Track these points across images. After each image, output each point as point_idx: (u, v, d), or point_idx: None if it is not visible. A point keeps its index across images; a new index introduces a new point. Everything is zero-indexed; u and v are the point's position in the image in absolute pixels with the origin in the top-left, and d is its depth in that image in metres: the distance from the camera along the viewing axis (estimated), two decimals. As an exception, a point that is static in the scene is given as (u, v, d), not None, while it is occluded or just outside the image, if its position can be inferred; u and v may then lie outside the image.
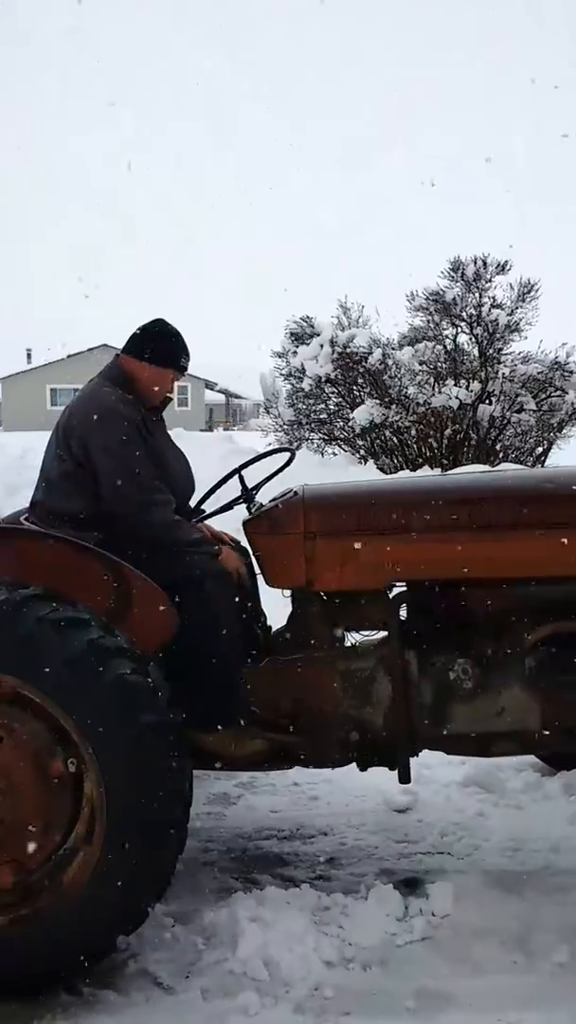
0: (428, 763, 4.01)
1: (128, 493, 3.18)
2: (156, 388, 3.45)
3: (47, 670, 2.64)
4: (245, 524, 3.39)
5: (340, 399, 13.41)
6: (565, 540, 3.05)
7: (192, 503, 3.64)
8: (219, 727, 3.19)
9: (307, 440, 13.84)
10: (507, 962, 2.79)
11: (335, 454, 13.44)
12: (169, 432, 3.64)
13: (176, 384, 3.64)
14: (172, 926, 2.98)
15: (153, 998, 2.68)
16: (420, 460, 12.50)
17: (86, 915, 2.66)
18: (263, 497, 3.58)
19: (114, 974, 2.76)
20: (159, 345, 3.43)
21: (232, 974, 2.74)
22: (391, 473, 11.70)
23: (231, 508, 3.58)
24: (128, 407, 3.30)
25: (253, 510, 3.47)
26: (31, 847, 2.66)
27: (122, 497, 3.18)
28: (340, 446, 13.54)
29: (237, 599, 3.33)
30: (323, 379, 13.07)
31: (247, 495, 3.57)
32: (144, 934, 2.86)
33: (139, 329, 3.48)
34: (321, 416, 13.71)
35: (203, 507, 3.70)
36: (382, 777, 3.40)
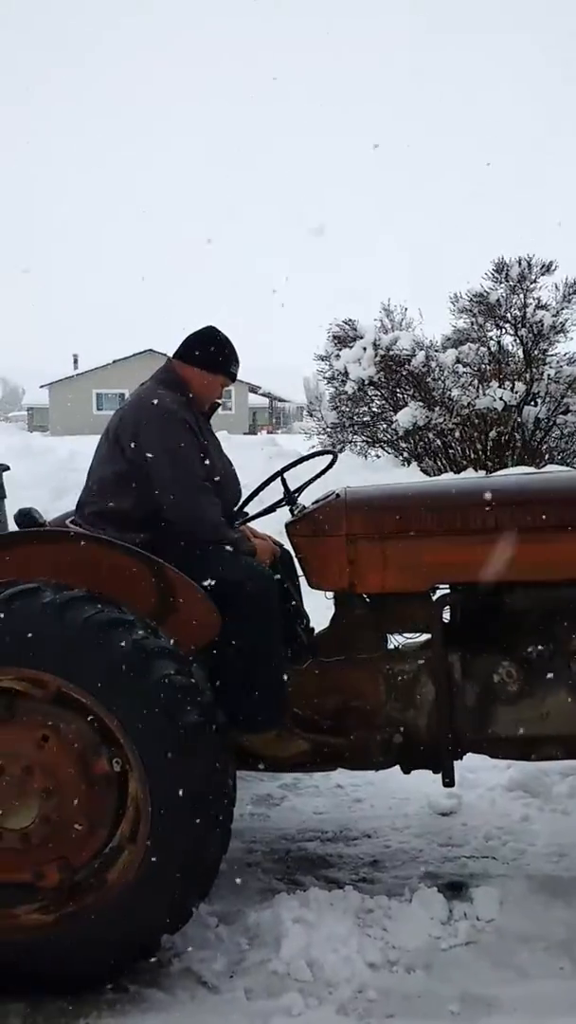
0: (472, 767, 3.98)
1: (181, 492, 3.21)
2: (207, 393, 3.50)
3: (92, 671, 2.68)
4: (288, 526, 3.40)
5: (383, 401, 13.40)
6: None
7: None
8: (263, 728, 3.20)
9: (351, 443, 13.85)
10: (553, 968, 2.77)
11: (378, 456, 13.42)
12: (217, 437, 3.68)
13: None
14: (216, 926, 3.00)
15: (198, 997, 2.70)
16: (464, 462, 12.43)
17: (131, 914, 2.68)
18: (306, 500, 3.59)
19: (159, 972, 2.78)
20: (210, 351, 3.47)
21: (276, 974, 2.74)
22: (435, 476, 11.64)
23: (274, 511, 3.60)
24: (184, 410, 3.35)
25: (296, 512, 3.49)
26: (77, 846, 2.69)
27: (175, 496, 3.21)
28: (384, 448, 13.52)
29: (278, 600, 3.34)
30: (366, 382, 13.07)
31: (289, 498, 3.58)
32: (189, 933, 2.88)
33: (191, 335, 3.52)
34: (364, 419, 13.71)
35: (246, 510, 3.72)
36: (426, 780, 3.39)
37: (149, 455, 3.23)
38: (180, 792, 2.65)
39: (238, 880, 3.31)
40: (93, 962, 2.69)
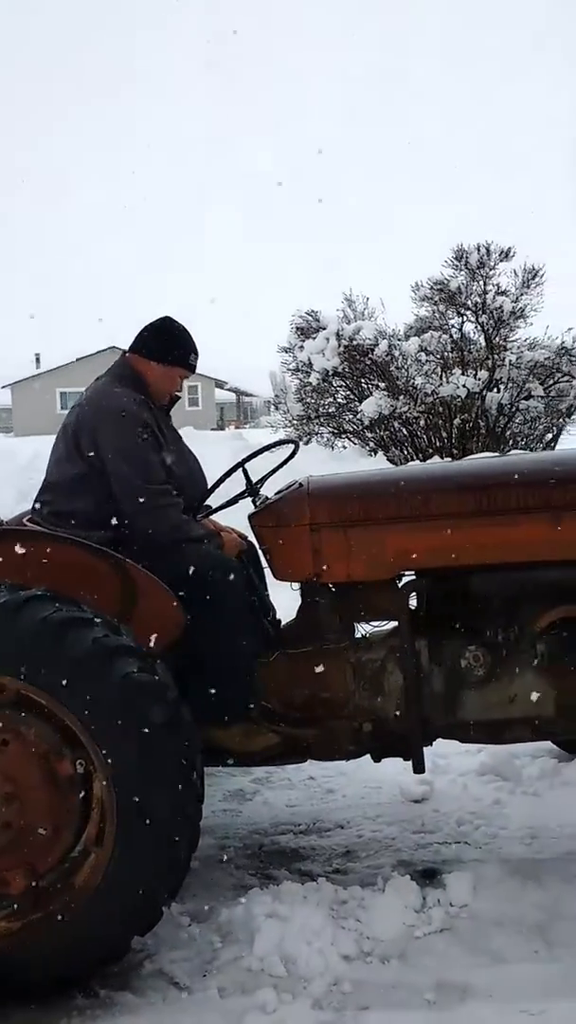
0: (443, 752, 3.99)
1: (140, 494, 3.15)
2: (165, 387, 3.43)
3: (52, 671, 2.62)
4: (251, 518, 3.36)
5: (348, 392, 13.40)
6: (572, 522, 3.02)
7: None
8: (231, 723, 3.16)
9: (317, 434, 13.84)
10: (528, 951, 2.76)
11: (345, 447, 13.43)
12: (178, 431, 3.62)
13: (185, 383, 3.62)
14: (188, 925, 2.96)
15: (170, 998, 2.65)
16: (430, 450, 12.47)
17: (100, 917, 2.64)
18: (269, 491, 3.55)
19: (130, 975, 2.74)
20: (166, 343, 3.40)
21: (249, 971, 2.71)
22: (401, 464, 11.66)
23: (236, 502, 3.55)
24: (140, 407, 3.27)
25: (258, 504, 3.45)
26: (42, 851, 2.64)
27: (134, 498, 3.15)
28: (350, 439, 13.53)
29: (245, 593, 3.31)
30: (330, 372, 13.06)
31: (252, 489, 3.54)
32: (160, 933, 2.83)
33: (145, 327, 3.45)
34: (330, 410, 13.70)
35: (208, 502, 3.67)
36: (398, 768, 3.37)
37: (105, 456, 3.16)
38: (146, 792, 2.60)
39: (210, 877, 3.28)
40: (62, 967, 2.64)
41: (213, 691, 3.06)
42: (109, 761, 2.62)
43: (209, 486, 3.57)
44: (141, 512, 3.15)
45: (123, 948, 2.71)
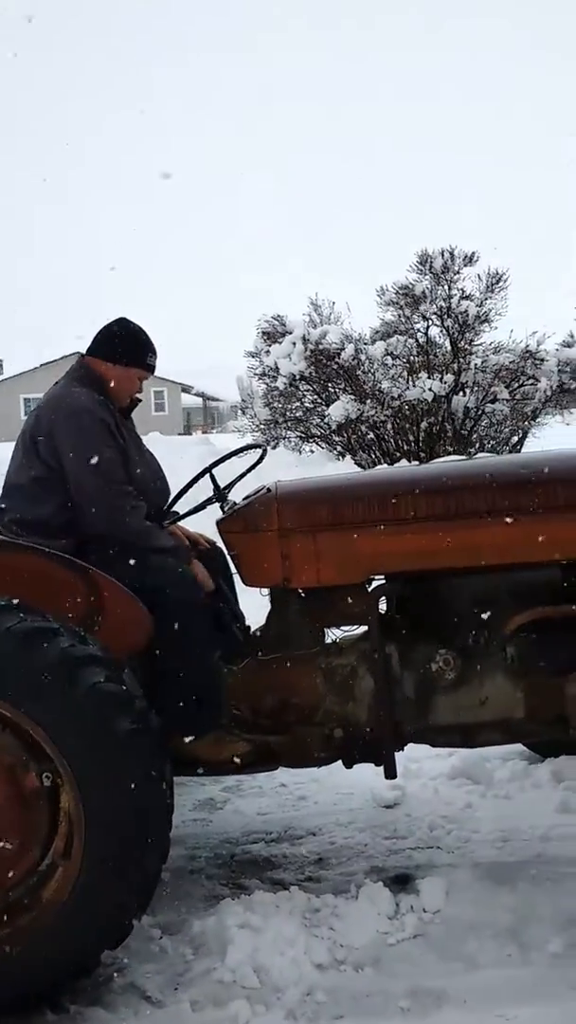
0: (415, 757, 3.98)
1: (101, 498, 3.10)
2: (125, 388, 3.38)
3: (17, 682, 2.57)
4: (219, 523, 3.34)
5: (315, 396, 13.38)
6: (541, 525, 3.03)
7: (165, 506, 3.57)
8: (201, 732, 3.13)
9: (284, 438, 13.81)
10: (501, 956, 2.75)
11: (312, 451, 13.42)
12: (141, 436, 3.57)
13: (146, 386, 3.58)
14: (160, 937, 2.92)
15: (141, 1012, 2.61)
16: (398, 454, 12.49)
17: (69, 932, 2.59)
18: (237, 496, 3.52)
19: (101, 989, 2.70)
20: (123, 345, 3.36)
21: (222, 983, 2.68)
22: (369, 468, 11.68)
23: (204, 508, 3.52)
24: (100, 408, 3.23)
25: (227, 509, 3.42)
26: (8, 865, 2.59)
27: (94, 503, 3.10)
28: (318, 443, 13.50)
29: (211, 601, 3.27)
30: (297, 377, 13.03)
31: (219, 494, 3.51)
32: (131, 947, 2.79)
33: (102, 329, 3.41)
34: (297, 414, 13.67)
35: (176, 508, 3.63)
36: (369, 773, 3.36)
37: (64, 460, 3.12)
38: (115, 803, 2.56)
39: (181, 888, 3.24)
40: (31, 983, 2.59)
41: (181, 700, 3.03)
42: (76, 773, 2.58)
43: (176, 492, 3.54)
44: (102, 516, 3.10)
45: (93, 962, 2.67)
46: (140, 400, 3.52)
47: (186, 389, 51.94)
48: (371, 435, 12.83)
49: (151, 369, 3.41)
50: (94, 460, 3.11)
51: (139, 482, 3.28)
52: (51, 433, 3.16)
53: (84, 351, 3.45)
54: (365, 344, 12.83)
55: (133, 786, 2.58)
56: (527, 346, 12.49)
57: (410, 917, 2.93)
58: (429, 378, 12.12)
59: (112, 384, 3.33)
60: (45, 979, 2.60)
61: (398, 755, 3.22)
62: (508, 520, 3.05)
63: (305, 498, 3.26)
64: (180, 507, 3.60)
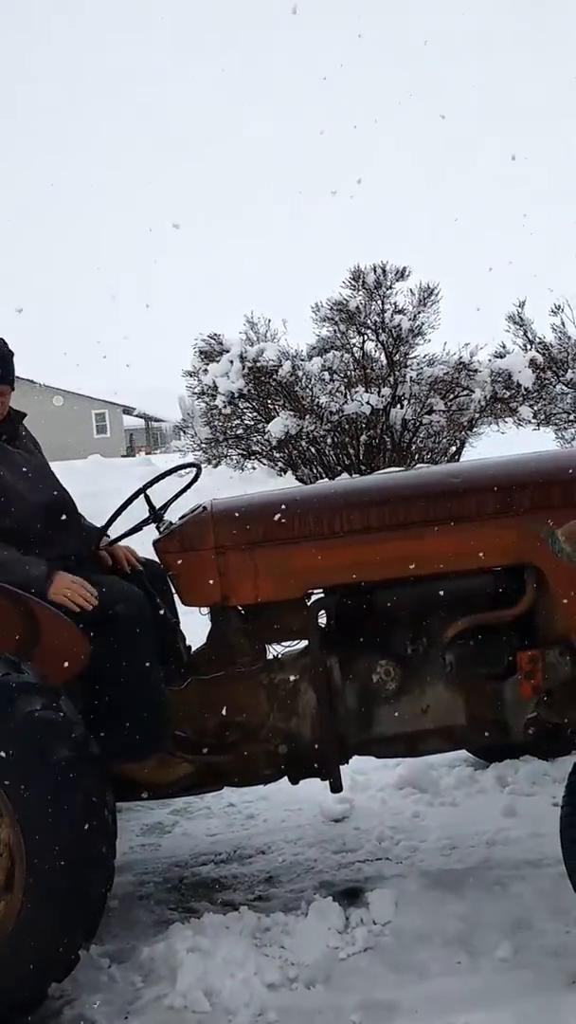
0: (362, 769, 3.99)
1: None
2: None
3: (-50, 714, 2.52)
4: (156, 544, 3.31)
5: (255, 413, 13.43)
6: (472, 532, 3.07)
7: (98, 525, 3.52)
8: (143, 755, 3.09)
9: (226, 457, 13.82)
10: (451, 964, 2.76)
11: (254, 468, 13.45)
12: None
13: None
14: (108, 967, 2.88)
15: (90, 1044, 2.57)
16: (339, 468, 12.59)
17: (14, 965, 2.54)
18: (174, 516, 3.50)
19: (49, 1023, 2.64)
20: None
21: (172, 1009, 2.64)
22: (311, 483, 11.73)
23: (140, 529, 3.49)
24: None
25: (162, 529, 3.40)
26: None
27: None
28: (259, 460, 13.56)
29: (154, 620, 3.24)
30: (236, 395, 13.08)
31: (155, 515, 3.49)
32: (79, 977, 2.75)
33: None
34: (237, 432, 13.71)
35: (111, 530, 3.60)
36: (318, 788, 3.35)
37: None
38: (56, 833, 2.52)
39: (130, 915, 3.20)
40: (-24, 1022, 2.53)
41: (123, 724, 2.99)
42: (15, 803, 2.53)
43: (111, 514, 3.50)
44: None
45: (40, 995, 2.62)
46: (15, 411, 3.29)
47: (128, 410, 51.63)
48: (311, 450, 12.92)
49: None
50: None
51: (15, 506, 3.10)
52: None
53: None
54: (302, 360, 12.94)
55: (74, 815, 2.54)
56: (460, 358, 12.71)
57: (360, 930, 2.93)
58: (367, 392, 12.27)
59: None
60: (-9, 1016, 2.54)
61: (345, 768, 3.23)
62: (441, 529, 3.08)
63: (240, 515, 3.25)
64: (117, 528, 3.57)
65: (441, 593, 3.18)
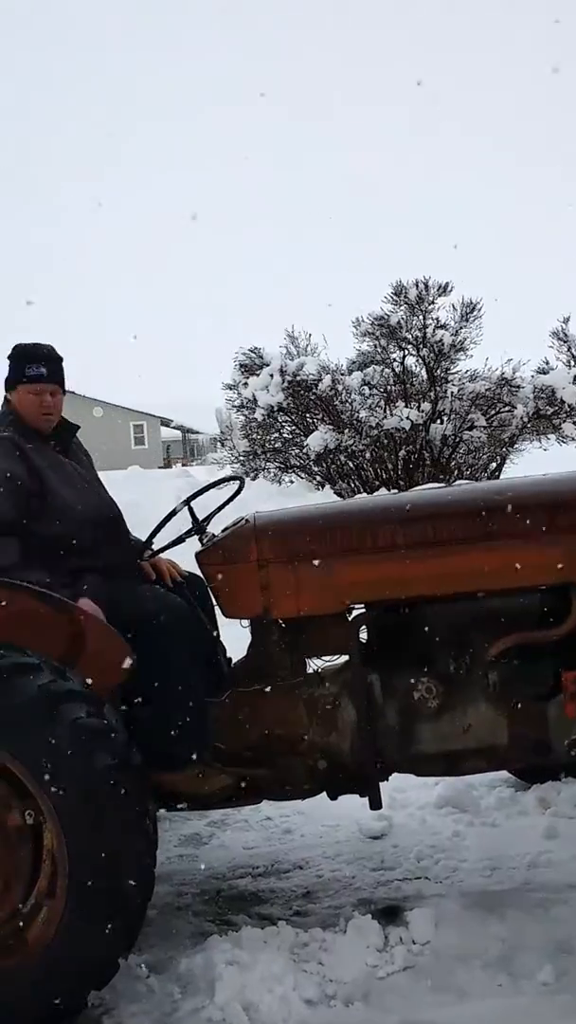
0: (401, 786, 3.95)
1: None
2: (28, 410, 3.25)
3: (-3, 720, 2.55)
4: (198, 556, 3.33)
5: (294, 427, 13.48)
6: (519, 550, 3.05)
7: (138, 534, 3.56)
8: (184, 766, 3.10)
9: (264, 470, 13.87)
10: (492, 986, 2.73)
11: (292, 482, 13.47)
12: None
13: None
14: (147, 976, 2.87)
15: (129, 1054, 2.57)
16: (376, 483, 12.57)
17: (54, 972, 2.56)
18: (216, 528, 3.52)
19: (88, 1032, 2.65)
20: (10, 367, 3.27)
21: (210, 1021, 2.63)
22: (349, 497, 11.73)
23: (183, 541, 3.52)
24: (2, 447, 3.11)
25: (205, 541, 3.42)
26: None
27: None
28: (297, 474, 13.58)
29: (194, 634, 3.26)
30: (275, 408, 13.13)
31: (198, 527, 3.51)
32: (118, 987, 2.75)
33: None
34: (276, 445, 13.76)
35: (155, 542, 3.62)
36: (355, 804, 3.34)
37: None
38: (98, 840, 2.54)
39: (168, 926, 3.20)
40: (16, 1028, 2.55)
41: (164, 734, 3.00)
42: (58, 811, 2.55)
43: (154, 526, 3.52)
44: None
45: (80, 1004, 2.63)
46: (52, 420, 3.30)
47: (165, 422, 52.06)
48: (350, 464, 12.92)
49: (35, 379, 3.23)
50: None
51: (61, 509, 3.13)
52: None
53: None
54: (342, 374, 12.96)
55: (116, 822, 2.56)
56: (502, 373, 12.66)
57: (399, 949, 2.90)
58: (406, 407, 12.26)
59: (19, 409, 3.25)
60: (31, 1022, 2.56)
61: (383, 785, 3.21)
62: (486, 546, 3.07)
63: (283, 529, 3.26)
64: (160, 540, 3.60)
65: (485, 611, 3.16)
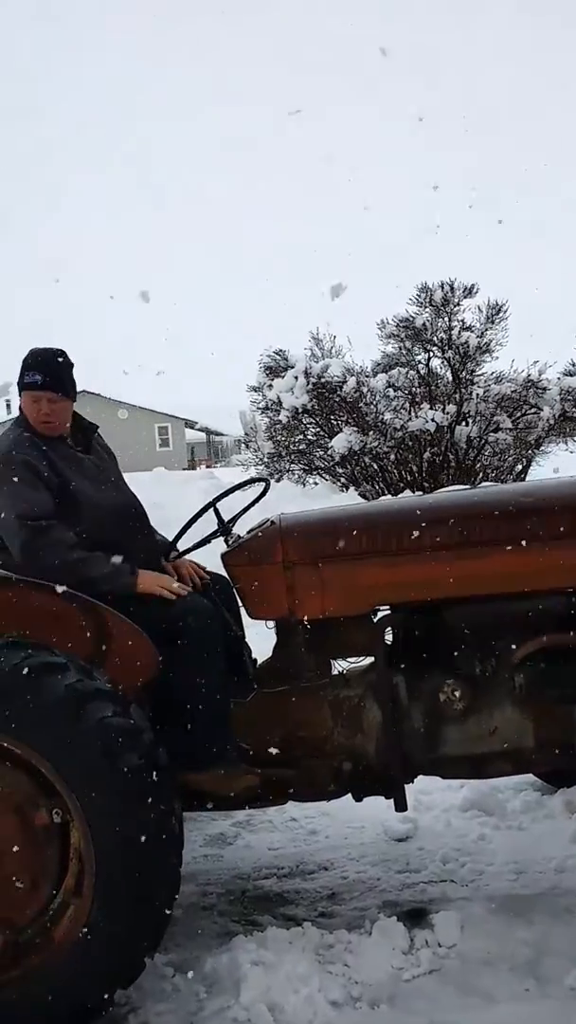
0: (426, 789, 3.95)
1: (16, 538, 3.01)
2: (34, 417, 3.24)
3: (24, 718, 2.58)
4: (224, 557, 3.34)
5: (318, 429, 13.46)
6: (546, 553, 3.03)
7: (170, 538, 3.57)
8: (209, 766, 3.11)
9: (288, 471, 13.87)
10: (518, 990, 2.71)
11: (316, 483, 13.46)
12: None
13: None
14: (172, 976, 2.89)
15: (155, 1052, 2.58)
16: (401, 485, 12.53)
17: (81, 971, 2.58)
18: (242, 529, 3.53)
19: (113, 1030, 2.67)
20: (20, 374, 3.28)
21: (236, 1022, 2.64)
22: (373, 499, 11.70)
23: (209, 542, 3.53)
24: (21, 446, 3.15)
25: (231, 543, 3.43)
26: (19, 904, 2.57)
27: (14, 543, 3.01)
28: (321, 475, 13.57)
29: (220, 634, 3.26)
30: (300, 410, 13.13)
31: (224, 528, 3.52)
32: (143, 985, 2.77)
33: None
34: (300, 447, 13.75)
35: (180, 543, 3.63)
36: (380, 806, 3.34)
37: None
38: (125, 839, 2.55)
39: (193, 925, 3.21)
40: (43, 1025, 2.56)
41: (190, 734, 3.01)
42: (85, 809, 2.57)
43: (180, 527, 3.54)
44: (21, 557, 3.00)
45: (106, 1002, 2.64)
46: (53, 422, 3.25)
47: (190, 424, 52.25)
48: (374, 466, 12.89)
49: (32, 387, 3.23)
50: (9, 499, 3.02)
51: (87, 512, 3.14)
52: None
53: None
54: (367, 376, 12.94)
55: (143, 821, 2.57)
56: (528, 375, 12.57)
57: (425, 952, 2.90)
58: (431, 409, 12.21)
59: (29, 415, 3.25)
60: (57, 1021, 2.57)
61: (409, 787, 3.20)
62: (512, 548, 3.05)
63: (309, 530, 3.27)
64: (185, 541, 3.61)
65: (511, 613, 3.15)
